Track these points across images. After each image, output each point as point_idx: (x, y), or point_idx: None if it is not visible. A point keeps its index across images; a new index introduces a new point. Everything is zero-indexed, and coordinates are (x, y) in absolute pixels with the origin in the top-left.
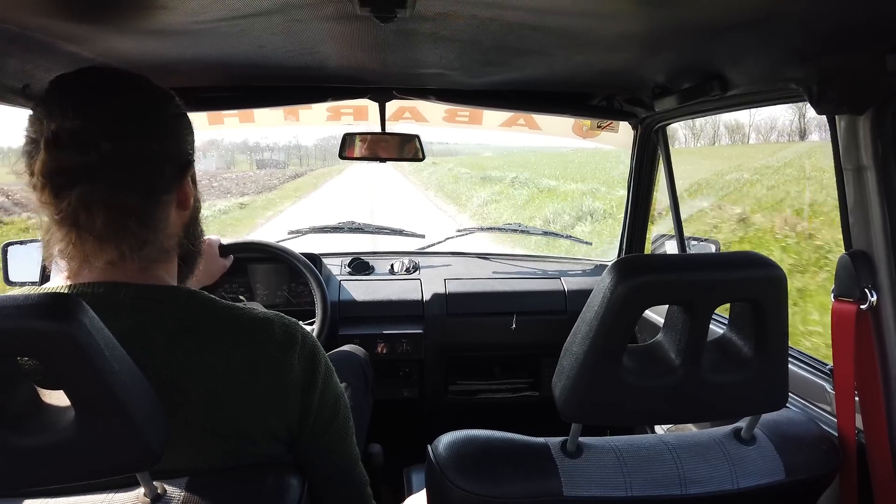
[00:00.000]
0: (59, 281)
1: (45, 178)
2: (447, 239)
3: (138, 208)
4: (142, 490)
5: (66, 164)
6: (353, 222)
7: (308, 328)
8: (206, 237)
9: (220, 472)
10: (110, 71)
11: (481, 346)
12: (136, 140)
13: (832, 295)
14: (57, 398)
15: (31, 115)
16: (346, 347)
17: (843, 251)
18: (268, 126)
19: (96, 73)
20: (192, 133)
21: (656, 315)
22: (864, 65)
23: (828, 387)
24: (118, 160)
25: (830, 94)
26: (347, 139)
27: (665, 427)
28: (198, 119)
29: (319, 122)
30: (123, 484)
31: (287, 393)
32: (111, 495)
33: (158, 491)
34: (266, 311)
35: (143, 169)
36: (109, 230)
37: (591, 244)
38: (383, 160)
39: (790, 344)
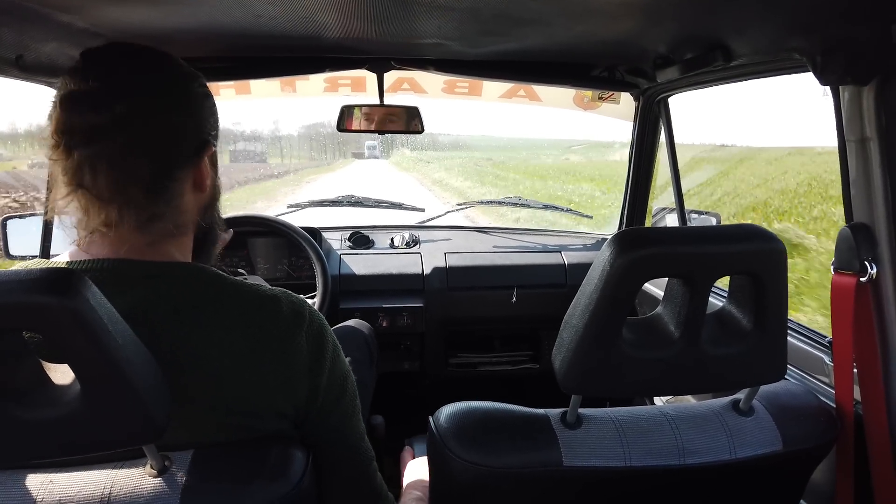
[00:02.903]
0: (65, 256)
1: (57, 135)
2: (447, 213)
3: (146, 175)
4: (148, 463)
5: (78, 122)
6: (353, 196)
7: (309, 301)
8: None
9: (225, 445)
10: (141, 46)
11: (482, 320)
12: (155, 108)
13: (832, 267)
14: (62, 372)
15: (59, 83)
16: (350, 322)
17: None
18: (265, 97)
19: (127, 46)
20: (215, 116)
21: (656, 288)
22: (868, 35)
23: (826, 359)
24: (130, 123)
25: (834, 64)
26: (346, 111)
27: (664, 399)
28: None
29: (317, 94)
30: (129, 457)
31: (294, 371)
32: (117, 469)
33: (164, 463)
34: (273, 288)
35: (157, 137)
36: (111, 191)
37: (591, 217)
38: (382, 132)
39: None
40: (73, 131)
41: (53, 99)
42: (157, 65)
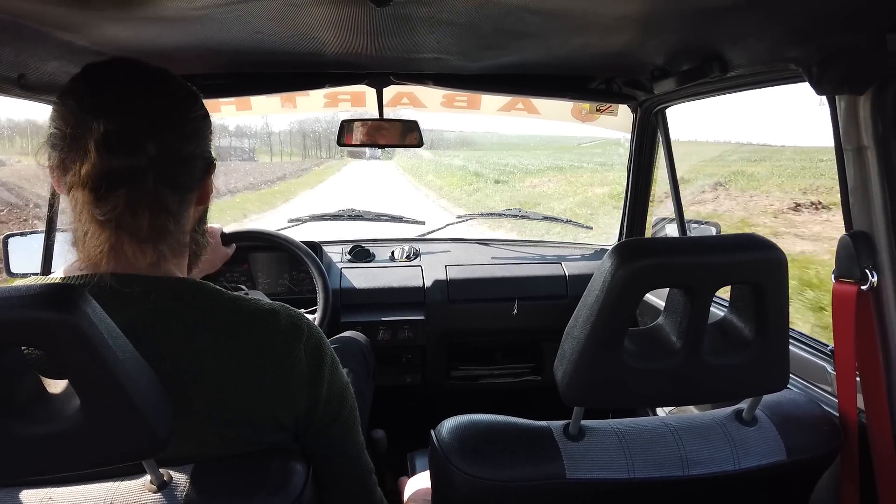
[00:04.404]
0: (60, 273)
1: (93, 180)
2: (447, 225)
3: (174, 209)
4: (148, 477)
5: (117, 166)
6: (353, 210)
7: (310, 316)
8: (208, 226)
9: (225, 459)
10: (140, 65)
11: (483, 332)
12: (174, 141)
13: (833, 276)
14: (62, 387)
15: (59, 107)
16: (347, 333)
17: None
18: (265, 113)
19: (127, 66)
20: (212, 132)
21: (657, 298)
22: (864, 44)
23: (829, 368)
24: (161, 161)
25: (831, 74)
26: (345, 125)
27: (667, 409)
28: None
29: (317, 109)
30: (129, 472)
31: (293, 384)
32: (117, 483)
33: (164, 478)
34: (272, 302)
35: (179, 169)
36: (152, 233)
37: (591, 228)
38: (381, 146)
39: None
40: (110, 176)
41: (60, 127)
42: (168, 91)
